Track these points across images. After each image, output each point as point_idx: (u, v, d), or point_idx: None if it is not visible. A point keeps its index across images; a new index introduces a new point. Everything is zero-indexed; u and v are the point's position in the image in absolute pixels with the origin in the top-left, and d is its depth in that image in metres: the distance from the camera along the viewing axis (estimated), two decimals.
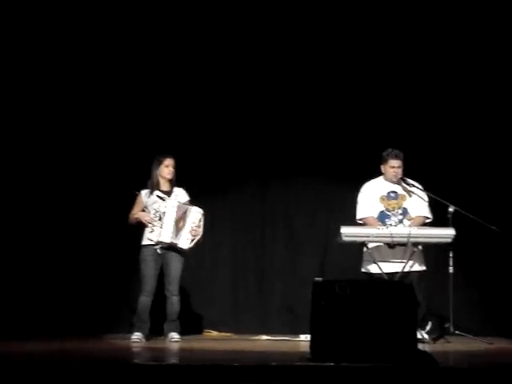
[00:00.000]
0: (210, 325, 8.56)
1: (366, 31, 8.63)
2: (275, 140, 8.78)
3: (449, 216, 7.46)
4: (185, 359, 6.12)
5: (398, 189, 7.64)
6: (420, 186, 7.65)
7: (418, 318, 6.14)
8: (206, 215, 7.60)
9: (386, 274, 7.31)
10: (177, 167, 7.61)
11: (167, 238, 7.38)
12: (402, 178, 7.60)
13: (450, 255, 7.48)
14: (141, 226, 7.52)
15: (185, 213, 7.46)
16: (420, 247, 7.47)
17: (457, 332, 7.43)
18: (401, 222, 7.53)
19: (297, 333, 7.68)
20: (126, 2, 8.63)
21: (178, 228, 7.41)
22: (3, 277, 8.18)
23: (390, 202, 7.60)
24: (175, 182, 7.63)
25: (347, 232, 7.23)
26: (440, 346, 7.16)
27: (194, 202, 7.62)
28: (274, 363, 5.21)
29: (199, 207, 7.54)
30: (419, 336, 6.81)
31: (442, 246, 7.49)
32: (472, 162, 8.54)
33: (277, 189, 8.85)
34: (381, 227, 7.34)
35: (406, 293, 5.49)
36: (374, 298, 5.42)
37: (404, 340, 5.32)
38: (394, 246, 7.38)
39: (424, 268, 7.51)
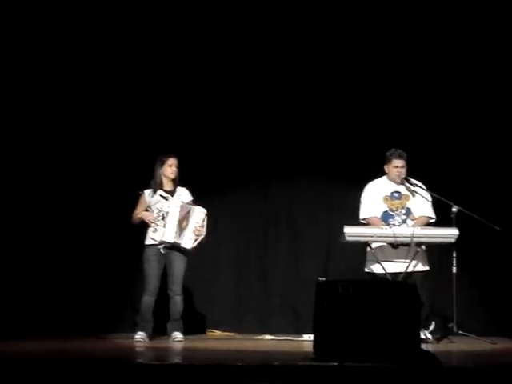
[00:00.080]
0: (213, 324, 8.57)
1: (368, 31, 8.63)
2: (277, 140, 8.78)
3: (452, 216, 7.46)
4: (188, 359, 6.12)
5: (402, 189, 7.63)
6: (423, 186, 7.64)
7: (422, 317, 6.12)
8: (208, 215, 7.60)
9: (390, 273, 7.30)
10: (180, 167, 7.61)
11: (170, 237, 7.37)
12: (405, 178, 7.60)
13: (454, 255, 7.48)
14: (144, 226, 7.52)
15: (188, 212, 7.46)
16: (423, 247, 7.47)
17: (460, 332, 7.43)
18: (404, 221, 7.53)
19: (300, 333, 7.68)
20: (126, 1, 8.63)
21: (181, 228, 7.41)
22: (6, 277, 8.19)
23: (393, 202, 7.60)
24: (178, 181, 7.63)
25: (350, 232, 7.23)
26: (443, 346, 7.16)
27: (196, 201, 7.62)
28: (276, 363, 5.21)
29: (202, 207, 7.54)
30: (422, 336, 6.79)
31: (446, 246, 7.48)
32: (475, 162, 8.54)
33: (279, 189, 8.85)
34: (384, 227, 7.34)
35: (410, 293, 5.48)
36: (377, 298, 5.42)
37: (407, 340, 5.32)
38: (397, 246, 7.37)
39: (427, 268, 7.50)
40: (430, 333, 7.39)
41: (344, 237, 7.23)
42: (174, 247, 7.43)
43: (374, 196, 7.60)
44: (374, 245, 7.41)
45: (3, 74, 8.39)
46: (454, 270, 7.47)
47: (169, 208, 7.41)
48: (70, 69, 8.57)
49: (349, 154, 8.59)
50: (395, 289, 5.65)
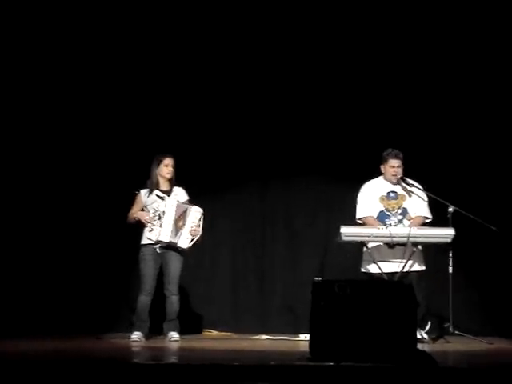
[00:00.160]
0: (210, 324, 8.56)
1: (366, 31, 8.63)
2: (275, 140, 8.78)
3: (448, 216, 7.46)
4: (184, 358, 6.12)
5: (398, 189, 7.64)
6: (420, 186, 7.65)
7: (418, 317, 6.14)
8: (206, 215, 7.60)
9: (386, 273, 7.31)
10: (177, 167, 7.61)
11: (166, 237, 7.37)
12: (401, 178, 7.61)
13: (450, 255, 7.48)
14: (140, 226, 7.51)
15: (184, 212, 7.45)
16: (420, 247, 7.48)
17: (456, 332, 7.44)
18: (400, 221, 7.54)
19: (297, 333, 7.68)
20: (126, 2, 8.63)
21: (177, 227, 7.41)
22: (4, 278, 8.18)
23: (389, 202, 7.61)
24: (175, 181, 7.63)
25: (347, 232, 7.23)
26: (439, 346, 7.17)
27: (193, 201, 7.62)
28: (273, 363, 5.22)
29: (200, 207, 7.54)
30: (419, 336, 6.81)
31: (442, 246, 7.48)
32: (472, 162, 8.54)
33: (277, 189, 8.85)
34: (380, 227, 7.34)
35: (406, 293, 5.49)
36: (374, 297, 5.43)
37: (403, 340, 5.32)
38: (393, 246, 7.38)
39: (424, 268, 7.51)
40: (426, 333, 7.40)
41: (340, 237, 7.23)
42: (170, 247, 7.43)
43: (371, 196, 7.61)
44: (370, 245, 7.41)
45: (3, 74, 8.38)
46: (451, 269, 7.48)
47: (165, 208, 7.41)
48: (68, 68, 8.56)
49: (347, 154, 8.59)
50: (391, 289, 5.66)
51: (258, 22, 8.67)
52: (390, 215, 7.56)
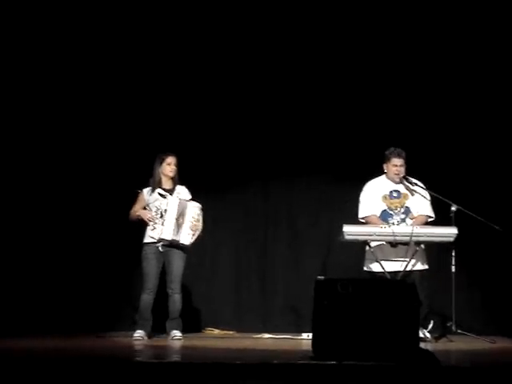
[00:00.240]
0: (213, 323, 8.56)
1: (367, 31, 8.63)
2: (278, 140, 8.78)
3: (451, 215, 7.45)
4: (187, 357, 6.12)
5: (401, 188, 7.63)
6: (422, 185, 7.65)
7: (420, 316, 6.11)
8: (208, 214, 7.62)
9: (389, 272, 7.30)
10: (179, 166, 7.61)
11: (169, 235, 7.38)
12: (404, 177, 7.60)
13: (453, 254, 7.47)
14: (142, 224, 7.52)
15: (184, 209, 7.46)
16: (422, 246, 7.46)
17: (459, 331, 7.43)
18: (403, 220, 7.53)
19: (299, 332, 7.68)
20: (126, 1, 8.62)
21: (178, 224, 7.41)
22: (4, 275, 8.19)
23: (392, 201, 7.60)
24: (178, 180, 7.63)
25: (350, 231, 7.23)
26: (442, 345, 7.16)
27: (196, 200, 7.61)
28: (276, 361, 5.21)
29: (197, 202, 7.54)
30: (421, 335, 6.80)
31: (445, 245, 7.48)
32: (475, 161, 8.54)
33: (279, 188, 8.85)
34: (383, 226, 7.34)
35: (409, 292, 5.48)
36: (376, 296, 5.42)
37: (406, 339, 5.32)
38: (396, 245, 7.38)
39: (426, 267, 7.50)
40: (429, 332, 7.40)
41: (343, 236, 7.23)
42: (173, 245, 7.44)
43: (373, 195, 7.60)
44: (373, 243, 7.41)
45: (3, 73, 8.38)
46: (453, 268, 7.47)
47: (167, 206, 7.41)
48: (68, 67, 8.56)
49: (350, 154, 8.59)
50: (394, 288, 5.66)
51: (260, 22, 8.67)
52: (393, 214, 7.55)
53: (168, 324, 7.50)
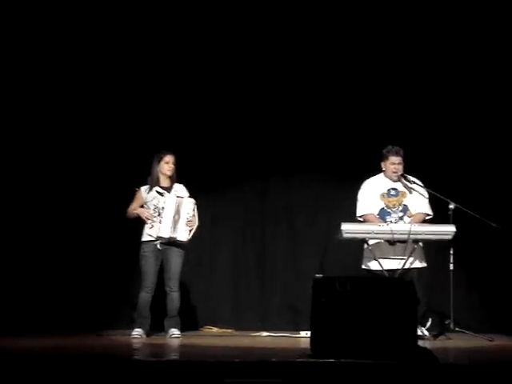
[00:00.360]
0: (211, 321, 8.56)
1: (365, 30, 8.64)
2: (276, 138, 8.78)
3: (449, 213, 7.46)
4: (185, 355, 6.13)
5: (399, 186, 7.64)
6: (420, 183, 7.65)
7: (419, 314, 6.13)
8: (207, 213, 7.63)
9: (387, 270, 7.31)
10: (177, 164, 7.61)
11: (166, 232, 7.38)
12: (402, 175, 7.60)
13: (451, 252, 7.48)
14: (140, 222, 7.52)
15: (178, 205, 7.46)
16: (420, 244, 7.47)
17: (457, 329, 7.43)
18: (401, 218, 7.53)
19: (298, 330, 7.68)
20: (125, 1, 8.62)
21: (174, 221, 7.42)
22: (4, 274, 8.19)
23: (390, 199, 7.60)
24: (176, 178, 7.63)
25: (348, 229, 7.23)
26: (440, 343, 7.16)
27: (194, 198, 7.61)
28: (274, 359, 5.21)
29: (199, 204, 7.54)
30: (419, 333, 6.81)
31: (443, 243, 7.48)
32: (472, 159, 8.55)
33: (278, 187, 8.85)
34: (381, 224, 7.34)
35: (407, 290, 5.49)
36: (375, 294, 5.42)
37: (404, 337, 5.32)
38: (394, 243, 7.38)
39: (424, 265, 7.51)
40: (427, 329, 7.40)
41: (341, 234, 7.23)
42: (171, 243, 7.44)
43: (371, 193, 7.60)
44: (371, 242, 7.41)
45: (3, 73, 8.38)
46: (451, 266, 7.47)
47: (164, 204, 7.42)
48: (68, 67, 8.56)
49: (348, 152, 8.59)
50: (392, 286, 5.66)
51: (258, 22, 8.67)
52: (391, 212, 7.56)
53: (166, 322, 7.50)
